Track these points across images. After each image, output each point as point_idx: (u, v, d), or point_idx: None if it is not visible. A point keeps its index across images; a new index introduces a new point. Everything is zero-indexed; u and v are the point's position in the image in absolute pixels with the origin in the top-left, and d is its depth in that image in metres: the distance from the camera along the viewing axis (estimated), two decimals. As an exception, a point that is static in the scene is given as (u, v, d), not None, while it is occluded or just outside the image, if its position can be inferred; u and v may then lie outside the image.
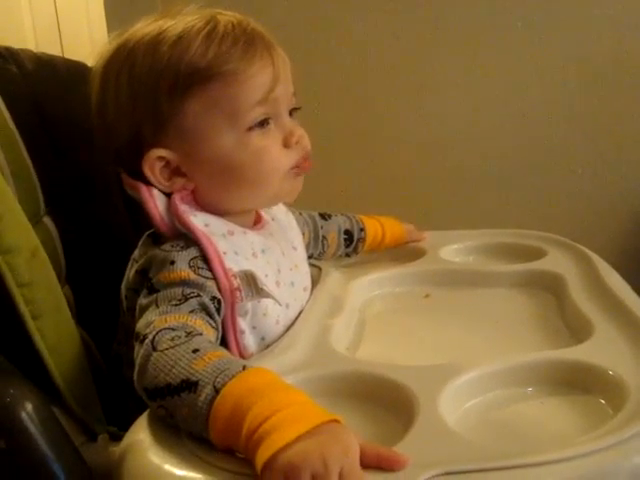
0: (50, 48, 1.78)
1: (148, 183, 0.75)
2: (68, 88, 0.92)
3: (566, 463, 0.51)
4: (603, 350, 0.68)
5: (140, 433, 0.58)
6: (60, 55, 1.02)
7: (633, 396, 0.59)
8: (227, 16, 0.76)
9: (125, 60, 0.75)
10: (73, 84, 0.92)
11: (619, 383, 0.61)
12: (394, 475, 0.49)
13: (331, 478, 0.47)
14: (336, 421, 0.52)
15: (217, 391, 0.54)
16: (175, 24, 0.74)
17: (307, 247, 0.99)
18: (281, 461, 0.48)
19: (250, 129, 0.75)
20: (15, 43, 0.95)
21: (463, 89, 1.67)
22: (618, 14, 1.58)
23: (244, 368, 0.56)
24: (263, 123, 0.76)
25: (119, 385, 0.77)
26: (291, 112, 0.80)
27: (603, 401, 0.62)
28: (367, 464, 0.50)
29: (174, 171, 0.76)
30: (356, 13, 1.65)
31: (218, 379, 0.54)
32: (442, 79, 1.67)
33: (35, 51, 0.95)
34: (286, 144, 0.78)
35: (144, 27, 0.76)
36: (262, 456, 0.48)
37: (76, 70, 0.96)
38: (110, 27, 0.79)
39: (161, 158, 0.75)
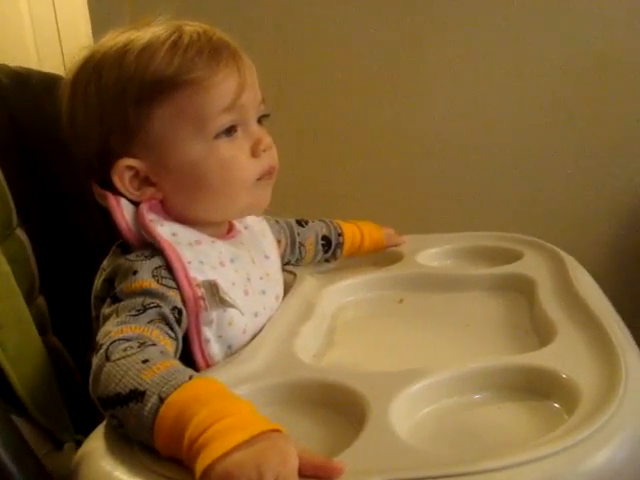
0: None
1: (119, 193, 0.76)
2: (43, 100, 0.93)
3: (509, 470, 0.50)
4: (562, 354, 0.68)
5: (96, 441, 0.59)
6: (38, 70, 1.02)
7: (586, 400, 0.59)
8: (193, 26, 0.78)
9: (92, 71, 0.76)
10: (47, 96, 0.92)
11: (573, 387, 0.61)
12: (329, 484, 0.50)
13: (265, 486, 0.47)
14: (277, 430, 0.52)
15: (162, 400, 0.54)
16: (141, 35, 0.76)
17: (284, 254, 1.00)
18: (218, 470, 0.48)
19: (217, 137, 0.76)
20: (17, 60, 0.97)
21: (451, 91, 1.66)
22: (607, 13, 1.57)
23: (190, 378, 0.56)
24: (230, 130, 0.77)
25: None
26: (260, 120, 0.81)
27: (558, 405, 0.62)
28: (304, 473, 0.50)
29: (143, 180, 0.77)
30: (351, 11, 1.64)
31: (164, 389, 0.55)
32: (430, 81, 1.67)
33: (12, 65, 0.96)
34: (253, 153, 0.78)
35: (111, 39, 0.77)
36: (201, 464, 0.49)
37: (51, 82, 0.96)
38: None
39: (130, 167, 0.76)
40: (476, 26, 1.63)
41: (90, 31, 1.63)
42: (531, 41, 1.61)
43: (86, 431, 0.72)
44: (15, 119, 0.90)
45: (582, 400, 0.59)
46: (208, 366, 0.74)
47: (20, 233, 0.86)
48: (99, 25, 1.58)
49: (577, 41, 1.59)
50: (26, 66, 1.01)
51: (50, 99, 0.86)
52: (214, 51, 0.76)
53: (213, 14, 0.81)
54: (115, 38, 0.77)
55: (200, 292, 0.72)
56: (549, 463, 0.51)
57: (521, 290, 0.91)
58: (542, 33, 1.61)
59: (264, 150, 0.79)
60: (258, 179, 0.79)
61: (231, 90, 0.76)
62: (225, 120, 0.76)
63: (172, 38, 0.75)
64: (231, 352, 0.76)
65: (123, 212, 0.75)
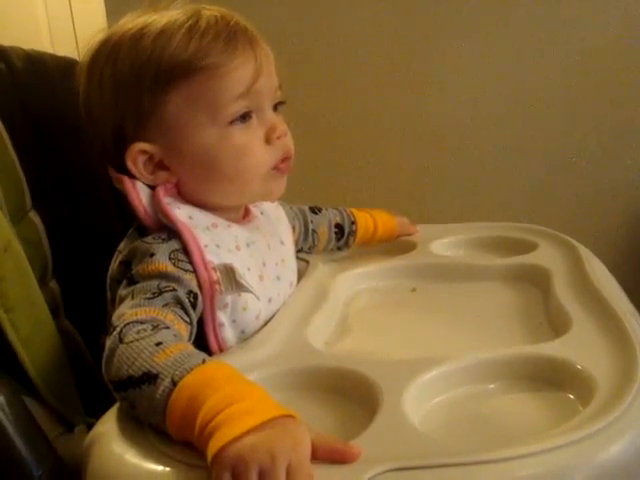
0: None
1: (133, 177, 0.76)
2: (56, 84, 0.93)
3: (522, 460, 0.50)
4: (577, 345, 0.67)
5: (107, 424, 0.59)
6: (52, 53, 1.02)
7: (601, 391, 0.58)
8: (211, 11, 0.77)
9: (108, 55, 0.76)
10: (61, 80, 0.93)
11: (588, 378, 0.61)
12: (342, 470, 0.49)
13: (277, 471, 0.47)
14: (290, 416, 0.52)
15: (175, 384, 0.54)
16: (158, 19, 0.75)
17: (297, 241, 1.00)
18: (229, 453, 0.48)
19: (231, 123, 0.75)
20: (30, 44, 0.97)
21: (461, 81, 1.66)
22: (621, 3, 1.55)
23: (203, 362, 0.56)
24: (245, 117, 0.76)
25: (104, 377, 0.79)
26: (276, 106, 0.80)
27: (572, 396, 0.62)
28: (319, 457, 0.50)
29: (157, 164, 0.76)
30: (355, 5, 1.64)
31: (177, 372, 0.55)
32: (441, 71, 1.67)
33: (26, 48, 0.96)
34: (267, 140, 0.78)
35: (128, 22, 0.77)
36: (212, 448, 0.49)
37: (65, 66, 0.97)
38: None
39: (144, 151, 0.75)
40: (484, 16, 1.63)
41: (105, 15, 1.62)
42: (545, 31, 1.61)
43: (97, 414, 0.72)
44: (29, 103, 0.90)
45: (597, 391, 0.59)
46: (221, 350, 0.73)
47: (34, 216, 0.87)
48: (113, 8, 1.57)
49: (593, 31, 1.59)
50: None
51: (64, 83, 0.86)
52: (231, 36, 0.75)
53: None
54: (132, 21, 0.77)
55: (216, 276, 0.72)
56: (563, 454, 0.51)
57: (535, 281, 0.90)
58: (557, 23, 1.60)
59: (278, 137, 0.78)
60: (273, 168, 0.79)
61: (247, 76, 0.75)
62: (240, 106, 0.75)
63: (189, 22, 0.74)
64: (244, 337, 0.76)
65: (140, 195, 0.75)
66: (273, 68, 0.79)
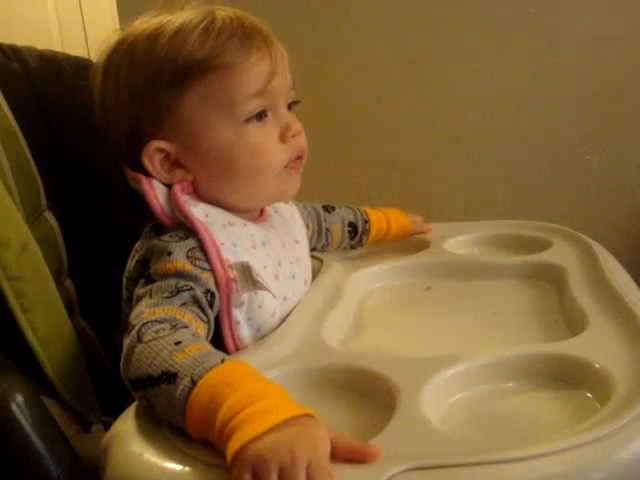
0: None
1: (149, 175, 0.76)
2: (70, 84, 0.93)
3: (543, 459, 0.50)
4: (594, 344, 0.67)
5: (126, 423, 0.59)
6: (66, 53, 1.02)
7: (619, 390, 0.58)
8: (225, 11, 0.78)
9: (124, 55, 0.76)
10: (75, 80, 0.93)
11: (606, 377, 0.61)
12: (362, 469, 0.49)
13: (298, 471, 0.47)
14: (309, 415, 0.52)
15: (194, 383, 0.54)
16: (174, 19, 0.76)
17: (311, 239, 1.00)
18: (250, 453, 0.48)
19: (247, 121, 0.76)
20: (41, 45, 0.98)
21: (471, 77, 1.65)
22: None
23: (222, 361, 0.56)
24: (260, 115, 0.77)
25: (121, 376, 0.79)
26: (290, 105, 0.81)
27: (590, 395, 0.61)
28: (338, 457, 0.50)
29: (173, 163, 0.77)
30: (364, 3, 1.64)
31: (196, 371, 0.55)
32: (450, 67, 1.66)
33: (40, 49, 0.97)
34: (282, 138, 0.78)
35: (143, 22, 0.78)
36: (232, 447, 0.49)
37: (79, 66, 0.98)
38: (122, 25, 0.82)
39: (160, 150, 0.76)
40: (494, 11, 1.62)
41: (116, 17, 1.63)
42: (556, 25, 1.60)
43: (113, 414, 0.73)
44: (44, 103, 0.91)
45: (615, 390, 0.58)
46: (237, 348, 0.73)
47: (49, 216, 0.87)
48: (125, 10, 1.58)
49: (604, 24, 1.57)
50: (50, 51, 1.01)
51: (79, 83, 0.86)
52: (246, 36, 0.75)
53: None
54: (147, 22, 0.77)
55: (233, 274, 0.72)
56: (582, 453, 0.50)
57: (551, 279, 0.90)
58: (566, 17, 1.59)
59: (293, 136, 0.79)
60: (286, 166, 0.79)
61: (262, 75, 0.75)
62: (255, 105, 0.76)
63: (204, 22, 0.75)
64: (259, 335, 0.76)
65: (156, 193, 0.76)
66: (287, 67, 0.80)
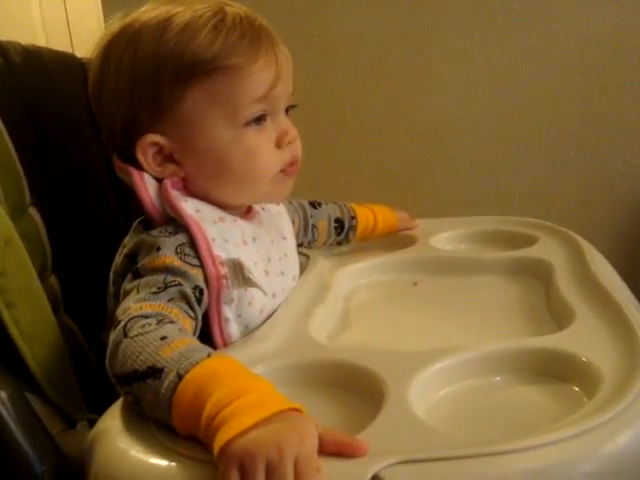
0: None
1: (139, 167, 0.75)
2: (55, 79, 0.93)
3: (531, 452, 0.50)
4: (580, 338, 0.67)
5: (111, 419, 0.59)
6: (51, 48, 1.01)
7: (606, 383, 0.58)
8: (235, 8, 0.76)
9: (129, 42, 0.74)
10: (60, 75, 0.93)
11: (593, 370, 0.61)
12: (350, 463, 0.49)
13: (285, 465, 0.47)
14: (296, 409, 0.51)
15: (180, 378, 0.54)
16: (183, 11, 0.74)
17: (297, 235, 0.99)
18: (236, 447, 0.48)
19: (246, 124, 0.75)
20: (26, 40, 0.96)
21: (458, 75, 1.66)
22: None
23: (209, 355, 0.56)
24: (260, 119, 0.76)
25: (106, 373, 0.78)
26: (288, 109, 0.81)
27: (577, 389, 0.61)
28: (326, 451, 0.50)
29: (166, 157, 0.76)
30: (353, 3, 1.64)
31: (182, 366, 0.54)
32: (438, 65, 1.66)
33: (24, 44, 0.95)
34: (278, 144, 0.78)
35: (151, 10, 0.76)
36: (219, 442, 0.48)
37: (63, 61, 0.97)
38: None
39: (155, 144, 0.75)
40: (481, 10, 1.63)
41: (101, 13, 1.61)
42: (543, 24, 1.61)
43: (99, 411, 0.72)
44: (27, 98, 0.90)
45: (602, 383, 0.58)
46: (226, 345, 0.73)
47: (33, 212, 0.86)
48: (110, 6, 1.57)
49: (591, 23, 1.59)
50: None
51: (63, 78, 0.85)
52: (255, 38, 0.74)
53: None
54: (155, 10, 0.75)
55: (223, 270, 0.71)
56: (570, 446, 0.50)
57: (537, 274, 0.90)
58: (554, 17, 1.60)
59: (289, 143, 0.78)
60: (280, 171, 0.79)
61: (267, 81, 0.75)
62: (256, 109, 0.75)
63: (215, 19, 0.73)
64: (247, 331, 0.75)
65: (147, 187, 0.75)
66: (291, 72, 0.79)
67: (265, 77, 0.75)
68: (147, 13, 0.75)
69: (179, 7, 0.75)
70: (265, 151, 0.77)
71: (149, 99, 0.74)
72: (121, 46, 0.75)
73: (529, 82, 1.63)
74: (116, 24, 0.76)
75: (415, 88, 1.68)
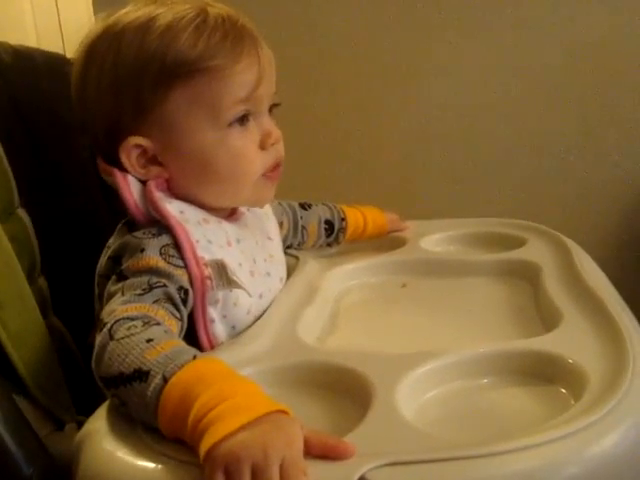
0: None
1: (123, 169, 0.75)
2: (45, 80, 0.93)
3: (517, 454, 0.50)
4: (567, 339, 0.67)
5: (98, 421, 0.59)
6: (41, 49, 1.01)
7: (593, 385, 0.58)
8: (217, 9, 0.76)
9: (111, 44, 0.74)
10: (50, 75, 0.92)
11: (580, 372, 0.61)
12: (336, 465, 0.49)
13: (271, 468, 0.47)
14: (282, 411, 0.51)
15: (166, 380, 0.54)
16: (165, 12, 0.74)
17: (286, 237, 1.00)
18: (222, 450, 0.48)
19: (230, 125, 0.75)
20: (16, 40, 0.96)
21: (450, 77, 1.66)
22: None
23: (195, 358, 0.56)
24: (243, 119, 0.76)
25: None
26: (271, 108, 0.80)
27: (564, 390, 0.62)
28: (312, 454, 0.50)
29: (150, 159, 0.76)
30: (345, 3, 1.64)
31: (168, 369, 0.54)
32: (431, 66, 1.67)
33: (14, 44, 0.95)
34: (262, 145, 0.78)
35: (133, 11, 0.75)
36: (205, 445, 0.48)
37: (54, 62, 0.97)
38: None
39: (138, 146, 0.75)
40: (472, 12, 1.63)
41: (92, 11, 1.61)
42: (533, 25, 1.61)
43: (87, 412, 0.72)
44: (17, 99, 0.89)
45: (589, 385, 0.59)
46: (212, 346, 0.73)
47: (21, 213, 0.86)
48: (101, 6, 1.56)
49: (580, 25, 1.59)
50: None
51: (53, 79, 0.85)
52: (237, 39, 0.74)
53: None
54: (137, 11, 0.75)
55: (207, 272, 0.71)
56: (555, 447, 0.51)
57: (525, 276, 0.90)
58: (546, 20, 1.61)
59: (272, 144, 0.79)
60: (263, 174, 0.79)
61: (250, 81, 0.75)
62: (239, 110, 0.75)
63: (197, 20, 0.73)
64: (235, 333, 0.75)
65: (130, 189, 0.74)
66: (274, 72, 0.79)
67: (248, 78, 0.75)
68: (129, 14, 0.75)
69: (161, 8, 0.74)
70: (249, 153, 0.77)
71: (132, 101, 0.74)
72: (103, 48, 0.75)
73: (519, 84, 1.64)
74: (99, 25, 0.76)
75: (405, 89, 1.68)
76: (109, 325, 0.61)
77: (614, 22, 1.58)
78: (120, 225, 0.79)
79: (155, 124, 0.74)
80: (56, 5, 2.01)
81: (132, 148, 0.75)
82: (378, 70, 1.67)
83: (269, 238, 0.88)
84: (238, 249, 0.78)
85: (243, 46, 0.74)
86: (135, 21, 0.74)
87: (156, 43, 0.72)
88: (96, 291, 0.76)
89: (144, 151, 0.75)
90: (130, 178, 0.75)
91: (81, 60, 0.77)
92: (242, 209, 0.86)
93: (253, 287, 0.77)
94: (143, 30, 0.73)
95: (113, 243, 0.76)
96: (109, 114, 0.75)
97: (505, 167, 1.69)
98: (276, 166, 0.80)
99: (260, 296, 0.79)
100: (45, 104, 0.92)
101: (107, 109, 0.75)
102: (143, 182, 0.76)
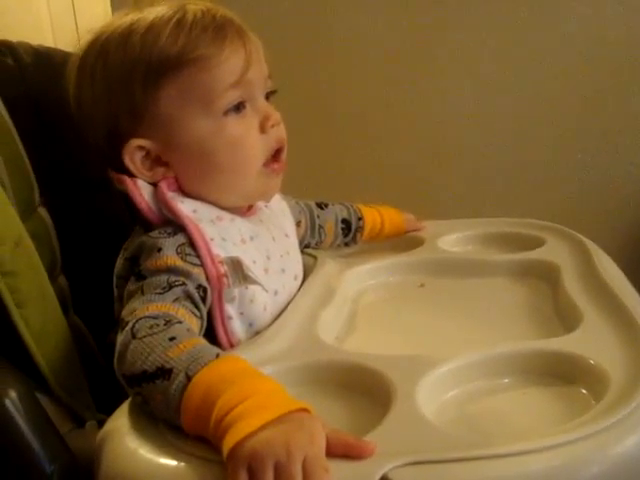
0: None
1: (133, 176, 0.76)
2: (64, 80, 0.93)
3: (538, 454, 0.50)
4: (588, 340, 0.67)
5: (120, 419, 0.59)
6: (60, 49, 1.01)
7: (614, 385, 0.58)
8: (196, 5, 0.77)
9: (98, 54, 0.76)
10: (70, 75, 0.92)
11: (601, 372, 0.61)
12: (358, 464, 0.49)
13: (293, 466, 0.47)
14: (304, 410, 0.52)
15: (189, 379, 0.54)
16: (145, 16, 0.76)
17: (304, 236, 1.00)
18: (245, 449, 0.48)
19: (226, 113, 0.76)
20: (33, 40, 0.97)
21: (463, 77, 1.66)
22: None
23: (217, 356, 0.56)
24: (239, 107, 0.76)
25: (114, 373, 0.79)
26: (268, 96, 0.81)
27: (585, 391, 0.62)
28: (334, 453, 0.50)
29: (155, 160, 0.77)
30: (357, 4, 1.64)
31: (191, 367, 0.55)
32: (442, 66, 1.67)
33: (33, 44, 0.96)
34: (262, 128, 0.78)
35: (115, 21, 0.78)
36: (228, 443, 0.49)
37: (73, 62, 0.97)
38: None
39: (140, 148, 0.76)
40: (484, 11, 1.63)
41: (110, 11, 1.61)
42: (547, 26, 1.61)
43: (107, 411, 0.72)
44: (37, 98, 0.90)
45: (610, 386, 0.59)
46: (230, 343, 0.74)
47: (42, 211, 0.87)
48: (119, 5, 1.57)
49: (594, 26, 1.59)
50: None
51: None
52: (218, 28, 0.75)
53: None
54: (119, 20, 0.77)
55: (223, 269, 0.72)
56: (576, 448, 0.51)
57: (544, 276, 0.90)
58: (560, 19, 1.60)
59: (272, 126, 0.79)
60: (267, 164, 0.79)
61: (237, 66, 0.75)
62: (233, 96, 0.76)
63: (176, 17, 0.75)
64: (252, 330, 0.76)
65: (142, 193, 0.75)
66: (262, 57, 0.80)
67: (234, 63, 0.75)
68: (113, 23, 0.77)
69: (141, 14, 0.76)
70: (249, 138, 0.77)
71: (126, 105, 0.75)
72: (92, 59, 0.77)
73: (534, 85, 1.63)
74: (86, 38, 0.78)
75: (421, 90, 1.68)
76: (131, 324, 0.61)
77: (631, 22, 1.57)
78: (136, 227, 0.79)
79: (152, 123, 0.75)
80: (72, 5, 2.03)
81: (134, 151, 0.75)
82: (396, 70, 1.67)
83: (286, 235, 0.88)
84: (252, 246, 0.79)
85: (225, 34, 0.75)
86: (118, 28, 0.76)
87: (139, 45, 0.74)
88: (115, 292, 0.77)
89: (147, 153, 0.76)
90: (140, 182, 0.76)
91: (73, 77, 0.79)
92: (259, 204, 0.86)
93: (268, 284, 0.78)
94: (126, 35, 0.75)
95: (129, 244, 0.76)
96: (106, 121, 0.76)
97: (521, 167, 1.68)
98: (279, 150, 0.80)
99: (275, 293, 0.80)
100: (64, 102, 0.91)
101: (104, 117, 0.76)
102: (154, 185, 0.76)
